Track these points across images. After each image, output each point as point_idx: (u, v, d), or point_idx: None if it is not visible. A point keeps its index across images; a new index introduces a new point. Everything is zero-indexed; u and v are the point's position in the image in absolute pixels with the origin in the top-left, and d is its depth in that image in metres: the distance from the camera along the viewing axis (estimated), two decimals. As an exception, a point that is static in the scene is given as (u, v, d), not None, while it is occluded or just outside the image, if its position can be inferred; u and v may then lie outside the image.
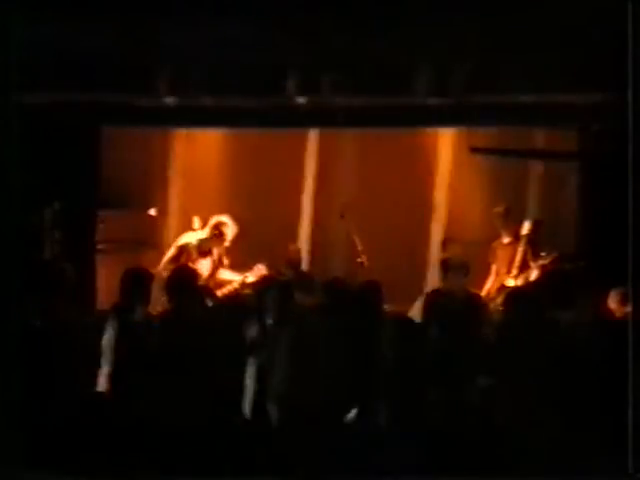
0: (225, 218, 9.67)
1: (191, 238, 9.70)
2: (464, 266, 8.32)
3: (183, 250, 9.56)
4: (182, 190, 11.27)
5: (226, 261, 9.65)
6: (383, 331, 7.00)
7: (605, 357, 6.76)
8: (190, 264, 9.27)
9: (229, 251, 9.71)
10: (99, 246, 10.08)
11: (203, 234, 9.66)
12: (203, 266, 9.47)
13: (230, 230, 9.61)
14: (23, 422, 6.59)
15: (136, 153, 11.09)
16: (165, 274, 9.06)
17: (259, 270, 9.50)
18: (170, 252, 9.58)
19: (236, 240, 9.70)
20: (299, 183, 11.46)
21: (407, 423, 6.68)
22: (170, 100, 9.41)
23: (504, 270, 9.48)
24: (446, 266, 8.38)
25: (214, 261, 9.56)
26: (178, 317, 7.17)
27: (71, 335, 7.02)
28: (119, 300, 7.23)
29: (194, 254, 9.54)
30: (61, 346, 6.93)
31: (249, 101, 9.36)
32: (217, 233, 9.59)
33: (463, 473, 6.45)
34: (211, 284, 9.38)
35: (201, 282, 8.47)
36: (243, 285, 9.39)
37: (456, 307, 7.18)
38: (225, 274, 9.57)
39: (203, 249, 9.56)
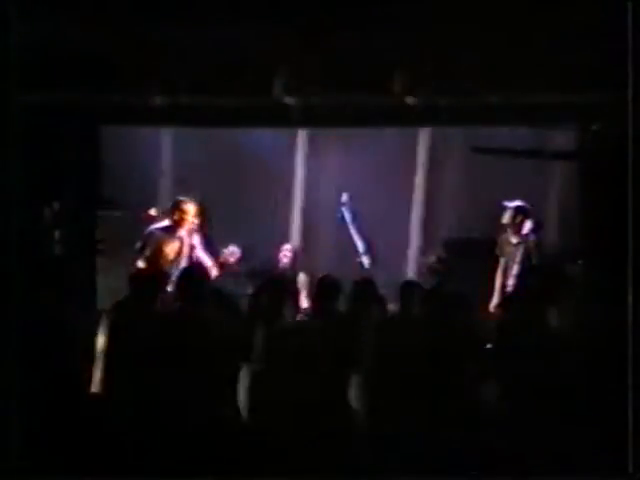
0: (182, 199, 9.69)
1: (156, 226, 9.73)
2: (445, 267, 8.30)
3: (149, 238, 9.56)
4: (182, 189, 11.28)
5: (198, 241, 9.65)
6: (378, 330, 7.02)
7: (605, 357, 6.76)
8: (160, 249, 9.39)
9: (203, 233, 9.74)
10: (99, 246, 10.08)
11: (167, 221, 9.69)
12: (172, 250, 9.50)
13: (190, 209, 9.62)
14: (22, 423, 6.59)
15: (136, 153, 11.10)
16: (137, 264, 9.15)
17: (232, 253, 9.53)
18: (138, 244, 9.58)
19: (202, 222, 9.70)
20: (294, 181, 11.50)
21: (404, 423, 6.69)
22: (170, 100, 9.40)
23: (510, 270, 9.46)
24: (431, 268, 8.35)
25: (181, 244, 9.57)
26: (180, 316, 7.18)
27: (71, 335, 7.02)
28: (124, 299, 7.23)
29: (159, 239, 9.56)
30: (61, 346, 6.93)
31: (248, 101, 9.35)
32: (180, 214, 9.60)
33: (463, 473, 6.46)
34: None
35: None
36: (220, 266, 9.45)
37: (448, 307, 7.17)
38: (203, 257, 9.59)
39: (168, 234, 9.57)
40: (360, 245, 9.71)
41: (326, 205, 10.55)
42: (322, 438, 6.75)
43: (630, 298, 6.88)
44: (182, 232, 9.58)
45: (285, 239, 11.12)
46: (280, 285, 7.50)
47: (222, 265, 9.68)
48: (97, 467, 6.54)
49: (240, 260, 9.99)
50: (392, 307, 7.98)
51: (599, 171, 9.35)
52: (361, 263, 9.66)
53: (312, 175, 11.49)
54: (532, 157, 10.79)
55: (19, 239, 6.96)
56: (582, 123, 9.75)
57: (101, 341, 7.00)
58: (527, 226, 9.51)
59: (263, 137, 11.10)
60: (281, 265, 10.52)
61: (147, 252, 9.40)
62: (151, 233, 9.57)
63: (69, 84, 8.92)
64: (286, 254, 10.56)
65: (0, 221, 6.81)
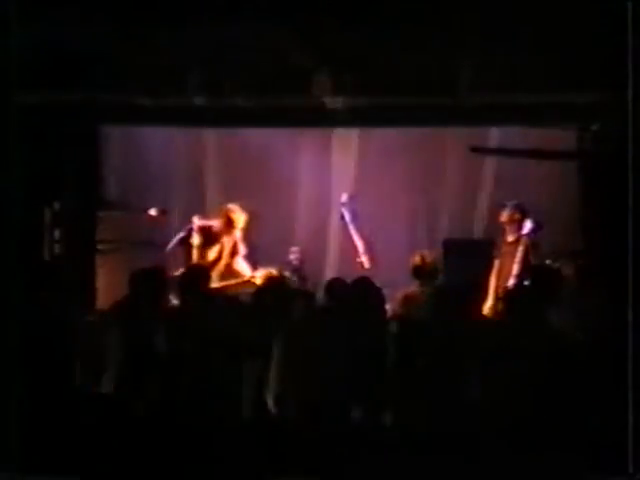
0: (233, 206, 9.65)
1: (202, 223, 9.69)
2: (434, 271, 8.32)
3: (191, 233, 9.54)
4: (182, 190, 11.29)
5: (243, 251, 9.61)
6: (382, 330, 7.02)
7: (605, 357, 6.76)
8: (196, 250, 9.38)
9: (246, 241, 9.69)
10: (99, 246, 10.08)
11: (215, 222, 9.65)
12: (210, 253, 9.47)
13: (240, 218, 9.59)
14: (22, 423, 6.59)
15: (136, 153, 11.10)
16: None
17: (268, 273, 9.50)
18: (180, 234, 9.54)
19: (249, 230, 9.67)
20: (297, 182, 11.50)
21: (407, 423, 6.69)
22: (170, 100, 9.42)
23: (508, 268, 9.45)
24: (418, 272, 8.35)
25: (222, 249, 9.55)
26: (184, 317, 7.18)
27: (71, 335, 7.03)
28: (126, 299, 7.23)
29: (201, 239, 9.54)
30: (61, 346, 6.93)
31: (248, 101, 9.36)
32: (226, 221, 9.58)
33: (462, 473, 6.46)
34: (218, 272, 9.38)
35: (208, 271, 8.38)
36: (246, 283, 9.40)
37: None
38: (241, 265, 9.54)
39: (211, 235, 9.56)
40: (360, 245, 9.71)
41: (328, 205, 10.55)
42: (322, 438, 6.76)
43: (630, 298, 6.88)
44: (225, 238, 9.55)
45: (291, 240, 11.09)
46: (284, 284, 7.50)
47: (250, 282, 9.55)
48: (97, 467, 6.54)
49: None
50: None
51: (599, 171, 9.36)
52: (361, 263, 9.66)
53: (316, 175, 11.49)
54: (532, 157, 10.79)
55: (19, 239, 6.96)
56: (582, 123, 9.75)
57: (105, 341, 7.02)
58: (527, 226, 9.50)
59: (265, 137, 11.10)
60: (291, 267, 10.41)
61: (194, 242, 9.36)
62: (193, 228, 9.53)
63: (69, 84, 8.93)
64: (296, 256, 10.51)
65: (0, 221, 6.82)
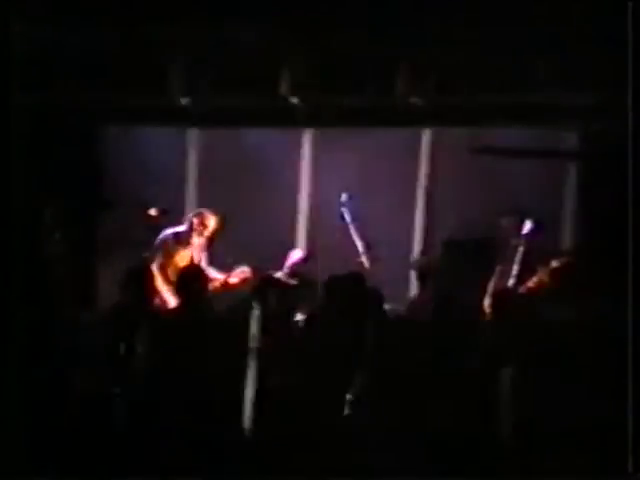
0: (205, 210, 9.64)
1: (171, 231, 9.69)
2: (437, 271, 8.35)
3: (164, 243, 9.53)
4: (181, 190, 11.29)
5: (205, 255, 9.59)
6: (382, 331, 7.03)
7: (605, 357, 6.76)
8: (170, 257, 9.35)
9: (215, 247, 9.65)
10: (99, 246, 10.08)
11: (183, 227, 9.64)
12: (183, 258, 9.46)
13: (210, 223, 9.57)
14: (22, 424, 6.59)
15: (136, 153, 11.09)
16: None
17: (242, 273, 9.48)
18: (151, 250, 9.56)
19: (217, 235, 9.63)
20: (296, 182, 11.49)
21: (406, 423, 6.70)
22: (170, 100, 9.42)
23: (510, 270, 9.45)
24: (421, 273, 8.37)
25: (193, 254, 9.54)
26: (181, 316, 7.19)
27: (71, 335, 7.03)
28: (119, 298, 7.25)
29: (173, 246, 9.52)
30: (61, 346, 6.93)
31: (248, 100, 9.36)
32: (196, 225, 9.56)
33: (463, 474, 6.46)
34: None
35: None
36: (225, 285, 9.36)
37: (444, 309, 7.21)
38: (208, 271, 9.52)
39: (182, 242, 9.54)
40: (360, 245, 9.71)
41: (331, 206, 10.53)
42: (322, 438, 6.76)
43: (630, 298, 6.88)
44: (196, 244, 9.54)
45: (291, 243, 11.07)
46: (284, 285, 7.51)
47: (227, 284, 9.52)
48: (97, 468, 6.54)
49: (247, 281, 9.70)
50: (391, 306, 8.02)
51: (599, 171, 9.36)
52: (361, 263, 9.65)
53: (317, 176, 11.47)
54: (532, 157, 10.79)
55: (19, 239, 6.96)
56: (582, 123, 9.75)
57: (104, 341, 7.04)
58: (527, 226, 9.51)
59: (265, 137, 11.08)
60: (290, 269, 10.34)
61: (159, 259, 9.36)
62: (164, 240, 9.54)
63: (69, 84, 8.93)
64: (295, 257, 10.46)
65: (0, 221, 6.81)
